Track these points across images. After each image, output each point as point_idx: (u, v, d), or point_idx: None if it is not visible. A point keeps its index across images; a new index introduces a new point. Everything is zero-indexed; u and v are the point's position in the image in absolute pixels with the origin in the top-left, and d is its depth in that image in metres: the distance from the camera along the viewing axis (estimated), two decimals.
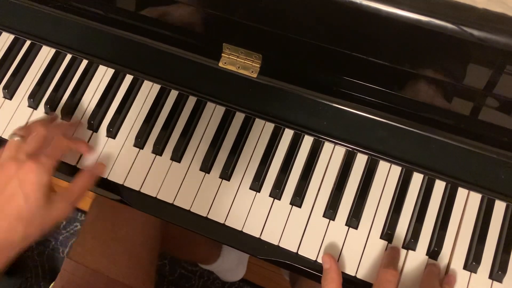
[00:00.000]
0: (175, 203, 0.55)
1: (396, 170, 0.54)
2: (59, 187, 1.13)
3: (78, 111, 0.60)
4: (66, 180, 0.57)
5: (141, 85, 0.60)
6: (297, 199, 0.53)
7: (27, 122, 0.60)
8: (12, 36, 0.64)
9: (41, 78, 0.61)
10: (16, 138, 0.50)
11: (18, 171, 0.46)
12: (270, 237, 0.53)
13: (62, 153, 0.52)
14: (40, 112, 0.60)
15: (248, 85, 0.57)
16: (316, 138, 0.56)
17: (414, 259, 0.51)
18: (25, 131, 0.51)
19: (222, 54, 0.57)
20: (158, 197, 0.55)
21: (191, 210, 0.54)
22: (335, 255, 0.52)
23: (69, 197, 0.51)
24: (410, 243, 0.51)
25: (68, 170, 0.57)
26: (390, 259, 0.50)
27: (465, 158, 0.52)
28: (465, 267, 0.51)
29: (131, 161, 0.57)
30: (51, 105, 0.59)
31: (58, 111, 0.60)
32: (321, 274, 0.51)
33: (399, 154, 0.53)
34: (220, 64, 0.57)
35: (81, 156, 0.57)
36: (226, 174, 0.55)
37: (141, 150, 0.57)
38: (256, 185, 0.54)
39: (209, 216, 0.54)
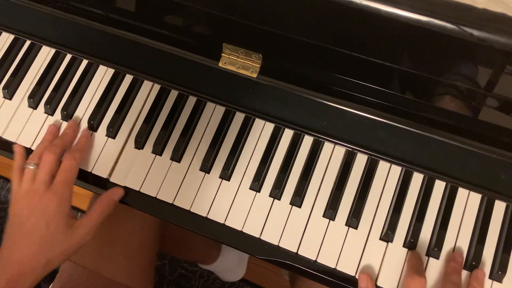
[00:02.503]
0: (175, 203, 0.55)
1: (396, 170, 0.54)
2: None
3: (78, 111, 0.60)
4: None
5: (141, 85, 0.60)
6: (297, 199, 0.53)
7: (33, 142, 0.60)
8: (12, 36, 0.64)
9: (41, 78, 0.61)
10: (31, 167, 0.52)
11: (39, 202, 0.50)
12: (270, 237, 0.53)
13: (75, 174, 0.54)
14: (40, 112, 0.60)
15: (248, 85, 0.57)
16: (316, 138, 0.56)
17: None
18: (37, 158, 0.53)
19: (222, 54, 0.57)
20: (158, 197, 0.55)
21: (191, 210, 0.54)
22: (335, 255, 0.52)
23: (89, 224, 0.52)
24: (410, 243, 0.51)
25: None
26: (414, 265, 0.50)
27: (465, 158, 0.52)
28: (465, 267, 0.51)
29: (131, 161, 0.57)
30: (51, 105, 0.59)
31: (58, 111, 0.60)
32: (322, 274, 0.51)
33: (399, 154, 0.53)
34: (220, 64, 0.57)
35: None
36: (226, 174, 0.55)
37: (141, 150, 0.57)
38: (256, 185, 0.54)
39: (209, 216, 0.54)
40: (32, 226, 0.49)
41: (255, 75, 0.56)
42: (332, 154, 0.55)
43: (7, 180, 1.36)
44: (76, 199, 1.35)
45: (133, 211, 0.58)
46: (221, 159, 0.56)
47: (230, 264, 1.14)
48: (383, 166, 0.54)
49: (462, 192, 0.53)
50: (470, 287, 0.49)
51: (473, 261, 0.50)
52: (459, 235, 0.52)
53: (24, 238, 0.49)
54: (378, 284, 0.51)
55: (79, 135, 0.58)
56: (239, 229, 0.53)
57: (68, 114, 0.59)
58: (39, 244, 0.48)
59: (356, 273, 0.51)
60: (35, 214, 0.49)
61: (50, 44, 0.63)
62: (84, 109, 0.60)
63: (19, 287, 0.47)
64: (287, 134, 0.56)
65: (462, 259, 0.50)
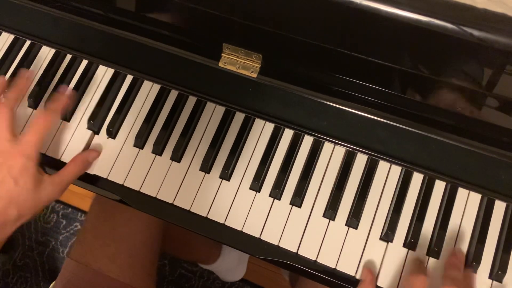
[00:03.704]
0: (175, 203, 0.55)
1: (396, 170, 0.54)
2: None
3: (78, 111, 0.60)
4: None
5: (141, 85, 0.60)
6: (297, 199, 0.53)
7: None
8: (12, 36, 0.64)
9: (41, 78, 0.61)
10: None
11: (4, 160, 0.50)
12: (270, 237, 0.53)
13: (45, 135, 0.53)
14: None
15: (248, 85, 0.57)
16: (316, 138, 0.56)
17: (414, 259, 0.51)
18: None
19: (222, 54, 0.57)
20: (158, 197, 0.55)
21: (191, 210, 0.54)
22: (335, 255, 0.52)
23: (59, 181, 0.53)
24: (410, 243, 0.51)
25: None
26: (416, 265, 0.50)
27: (465, 158, 0.52)
28: (465, 267, 0.51)
29: (131, 161, 0.57)
30: None
31: None
32: (322, 274, 0.52)
33: (399, 154, 0.53)
34: (220, 64, 0.57)
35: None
36: (226, 174, 0.55)
37: (141, 150, 0.57)
38: (256, 185, 0.54)
39: (209, 216, 0.54)
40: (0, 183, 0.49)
41: (255, 75, 0.56)
42: (332, 154, 0.55)
43: None
44: (76, 198, 1.35)
45: (136, 211, 0.58)
46: (221, 159, 0.56)
47: (230, 264, 1.15)
48: (383, 166, 0.54)
49: (462, 192, 0.53)
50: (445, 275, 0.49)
51: (473, 261, 0.50)
52: (459, 235, 0.52)
53: None
54: (378, 284, 0.51)
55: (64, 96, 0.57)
56: (239, 229, 0.53)
57: (68, 114, 0.59)
58: (7, 198, 0.49)
59: (356, 273, 0.51)
60: (2, 171, 0.49)
61: (50, 44, 0.63)
62: (84, 109, 0.60)
63: None
64: (287, 134, 0.56)
65: (462, 254, 0.50)
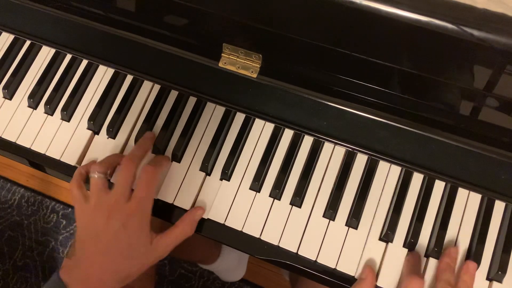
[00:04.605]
0: (175, 204, 0.55)
1: (396, 170, 0.54)
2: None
3: (78, 111, 0.60)
4: (64, 179, 0.58)
5: (141, 85, 0.60)
6: (297, 199, 0.53)
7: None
8: (12, 36, 0.64)
9: (41, 78, 0.61)
10: (97, 175, 0.51)
11: (119, 216, 0.48)
12: (270, 237, 0.53)
13: (155, 184, 0.52)
14: (40, 112, 0.60)
15: (248, 85, 0.57)
16: (316, 138, 0.56)
17: None
18: (106, 167, 0.52)
19: (222, 54, 0.57)
20: (158, 197, 0.55)
21: None
22: (335, 255, 0.52)
23: (170, 241, 0.51)
24: (410, 243, 0.51)
25: (66, 169, 0.57)
26: (412, 266, 0.50)
27: (465, 158, 0.52)
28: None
29: None
30: (51, 105, 0.60)
31: (58, 111, 0.60)
32: (322, 274, 0.51)
33: (399, 154, 0.53)
34: (220, 64, 0.57)
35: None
36: (226, 174, 0.55)
37: None
38: (256, 185, 0.54)
39: (209, 217, 0.54)
40: (110, 241, 0.47)
41: (255, 75, 0.56)
42: (332, 154, 0.55)
43: (7, 180, 1.36)
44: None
45: None
46: (221, 159, 0.56)
47: (230, 264, 1.15)
48: (383, 166, 0.54)
49: (462, 192, 0.53)
50: (460, 281, 0.48)
51: (473, 261, 0.50)
52: (459, 235, 0.52)
53: (104, 253, 0.48)
54: (378, 284, 0.51)
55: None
56: (239, 229, 0.53)
57: (68, 114, 0.59)
58: (120, 260, 0.48)
59: (356, 273, 0.51)
60: (114, 228, 0.47)
61: (50, 44, 0.63)
62: (84, 109, 0.60)
63: None
64: (287, 134, 0.56)
65: (456, 255, 0.50)
